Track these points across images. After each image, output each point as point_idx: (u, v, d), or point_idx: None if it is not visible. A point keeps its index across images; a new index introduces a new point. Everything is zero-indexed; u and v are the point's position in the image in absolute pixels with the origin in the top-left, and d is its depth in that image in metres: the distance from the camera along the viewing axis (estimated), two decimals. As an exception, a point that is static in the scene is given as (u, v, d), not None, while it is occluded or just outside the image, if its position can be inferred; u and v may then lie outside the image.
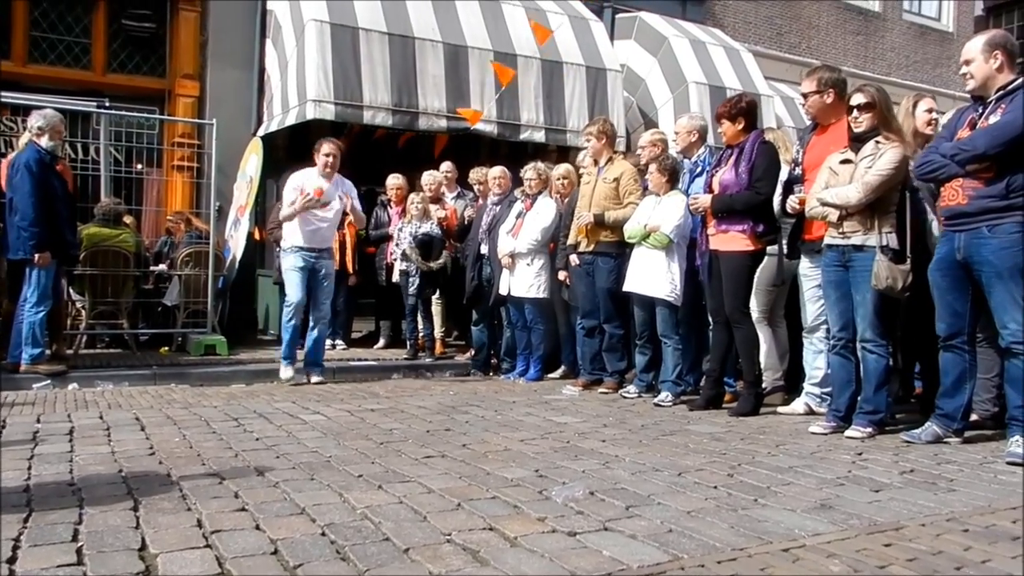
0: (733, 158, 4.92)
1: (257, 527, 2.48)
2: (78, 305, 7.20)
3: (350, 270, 7.87)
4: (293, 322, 6.22)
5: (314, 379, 6.19)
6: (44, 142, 5.85)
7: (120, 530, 2.43)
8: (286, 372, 6.20)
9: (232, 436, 3.98)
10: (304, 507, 2.69)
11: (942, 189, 3.85)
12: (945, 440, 3.97)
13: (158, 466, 3.30)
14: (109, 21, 8.49)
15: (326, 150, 6.24)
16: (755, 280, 5.00)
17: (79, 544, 2.30)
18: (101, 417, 4.48)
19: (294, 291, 6.20)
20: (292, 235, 6.23)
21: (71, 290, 7.07)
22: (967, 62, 3.79)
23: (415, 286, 7.22)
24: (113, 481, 3.04)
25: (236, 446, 3.73)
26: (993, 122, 3.64)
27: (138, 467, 3.27)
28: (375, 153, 9.34)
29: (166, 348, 7.30)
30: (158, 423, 4.32)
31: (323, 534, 2.42)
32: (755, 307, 5.26)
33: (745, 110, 4.94)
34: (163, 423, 4.33)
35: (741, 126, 4.94)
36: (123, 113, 8.01)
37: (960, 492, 3.06)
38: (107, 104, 8.00)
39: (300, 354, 6.32)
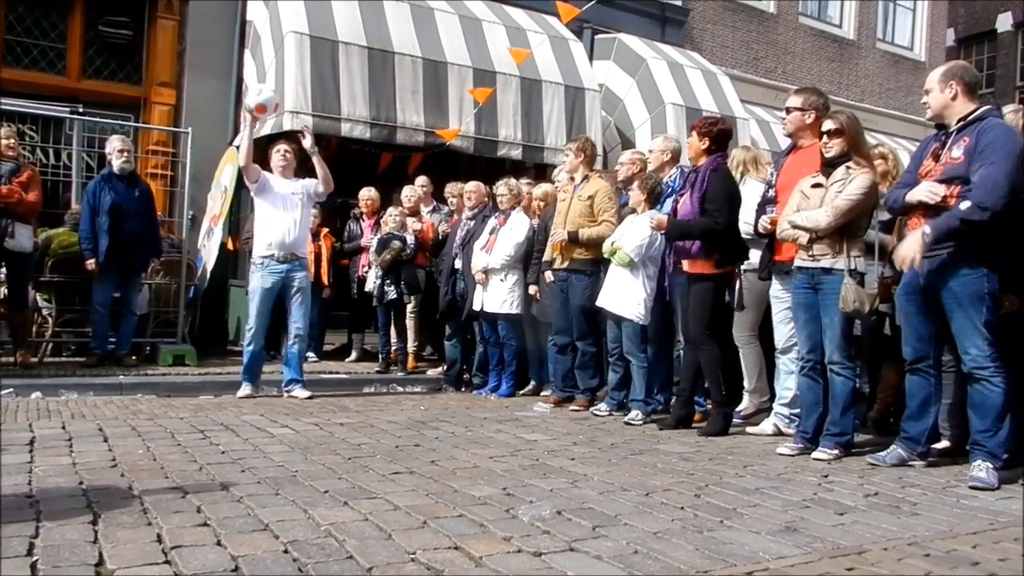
0: (691, 184, 5.02)
1: (218, 543, 2.44)
2: (44, 312, 7.08)
3: (325, 282, 7.83)
4: (252, 347, 5.97)
5: (301, 395, 5.95)
6: None
7: (77, 544, 2.38)
8: (243, 390, 6.00)
9: (197, 449, 3.93)
10: (268, 523, 2.66)
11: (908, 218, 3.91)
12: (910, 463, 4.01)
13: (120, 479, 3.24)
14: (86, 27, 8.42)
15: (277, 147, 6.20)
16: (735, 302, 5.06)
17: (34, 558, 2.25)
18: (64, 427, 4.40)
19: (254, 315, 5.94)
20: (259, 243, 6.01)
21: (37, 297, 6.97)
22: (927, 91, 3.90)
23: (393, 290, 7.21)
24: (73, 494, 2.98)
25: (201, 459, 3.68)
26: (979, 175, 3.61)
27: (99, 479, 3.21)
28: (351, 167, 9.32)
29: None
30: (122, 434, 4.25)
31: (286, 551, 2.39)
32: (745, 328, 5.32)
33: (715, 134, 4.99)
34: (127, 434, 4.26)
35: (705, 146, 4.99)
36: (96, 119, 7.93)
37: (923, 516, 3.09)
38: (81, 110, 7.93)
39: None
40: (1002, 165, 3.59)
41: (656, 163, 5.85)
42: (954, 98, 3.81)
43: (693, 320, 4.95)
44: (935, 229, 3.65)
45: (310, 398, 5.92)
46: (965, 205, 3.59)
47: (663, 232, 5.09)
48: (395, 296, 7.19)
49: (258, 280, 5.96)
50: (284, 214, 5.98)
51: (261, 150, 6.17)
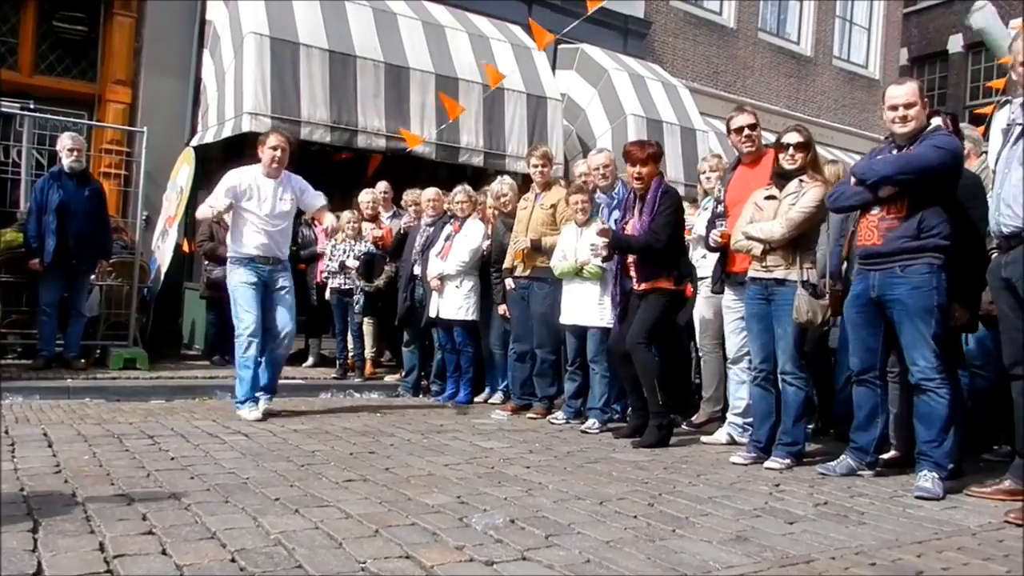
0: (638, 206, 5.03)
1: (164, 552, 2.39)
2: (-10, 313, 6.88)
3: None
4: (251, 353, 5.24)
5: (262, 406, 5.33)
6: None
7: (15, 553, 2.31)
8: (252, 414, 5.20)
9: (146, 455, 3.85)
10: (215, 531, 2.61)
11: (859, 230, 3.99)
12: (859, 473, 4.08)
13: (63, 485, 3.16)
14: (39, 22, 8.22)
15: (273, 143, 5.37)
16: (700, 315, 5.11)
17: (-32, 568, 2.18)
18: (6, 432, 4.26)
19: (248, 313, 5.24)
20: (239, 243, 5.37)
21: (-18, 298, 6.77)
22: (909, 106, 3.83)
23: (359, 304, 7.19)
24: (13, 500, 2.89)
25: (149, 465, 3.60)
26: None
27: (41, 486, 3.12)
28: (309, 170, 9.22)
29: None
30: (67, 439, 4.14)
31: (233, 560, 2.35)
32: (711, 336, 5.36)
33: (656, 156, 5.04)
34: (73, 439, 4.16)
35: (648, 169, 4.97)
36: (48, 116, 7.75)
37: (870, 525, 3.14)
38: (32, 106, 7.74)
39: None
40: (924, 150, 3.73)
41: (610, 178, 5.86)
42: (928, 114, 3.94)
43: (635, 327, 4.95)
44: (856, 170, 3.90)
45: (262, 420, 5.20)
46: (887, 166, 3.80)
47: (606, 240, 5.07)
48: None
49: (239, 275, 5.32)
50: (268, 218, 5.38)
51: (223, 147, 5.83)
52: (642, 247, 4.92)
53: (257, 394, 5.39)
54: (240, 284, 5.32)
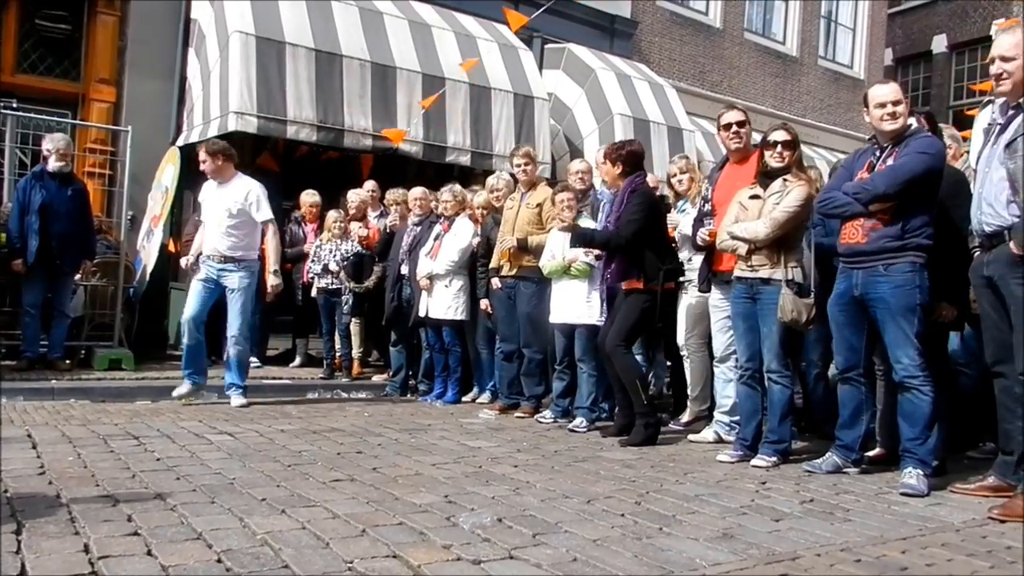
0: (615, 206, 5.13)
1: (149, 553, 2.38)
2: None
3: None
4: (186, 341, 5.89)
5: (234, 403, 5.74)
6: None
7: (-2, 555, 2.29)
8: (180, 388, 5.87)
9: (131, 456, 3.82)
10: (201, 532, 2.60)
11: (842, 228, 4.02)
12: (844, 470, 4.11)
13: (47, 487, 3.14)
14: (21, 20, 8.15)
15: (201, 155, 5.94)
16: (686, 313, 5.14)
17: (-49, 570, 2.16)
18: (-10, 433, 4.24)
19: (187, 306, 5.92)
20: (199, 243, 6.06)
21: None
22: (896, 103, 3.89)
23: (348, 305, 7.18)
24: (-4, 502, 2.87)
25: (134, 466, 3.58)
26: (890, 164, 3.83)
27: (25, 487, 3.10)
28: (301, 171, 9.20)
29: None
30: (52, 440, 4.11)
31: (219, 560, 2.34)
32: (698, 335, 5.39)
33: (625, 157, 5.10)
34: (57, 440, 4.13)
35: (619, 171, 5.10)
36: (31, 115, 7.68)
37: (855, 522, 3.16)
38: (14, 105, 7.67)
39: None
40: (911, 159, 3.76)
41: (587, 183, 6.03)
42: (909, 115, 3.96)
43: (613, 330, 5.01)
44: (850, 188, 3.90)
45: (245, 407, 5.70)
46: (879, 184, 3.80)
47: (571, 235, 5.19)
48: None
49: (197, 272, 5.99)
50: (212, 219, 5.95)
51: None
52: (603, 242, 5.03)
53: (229, 391, 5.93)
54: (194, 279, 6.04)
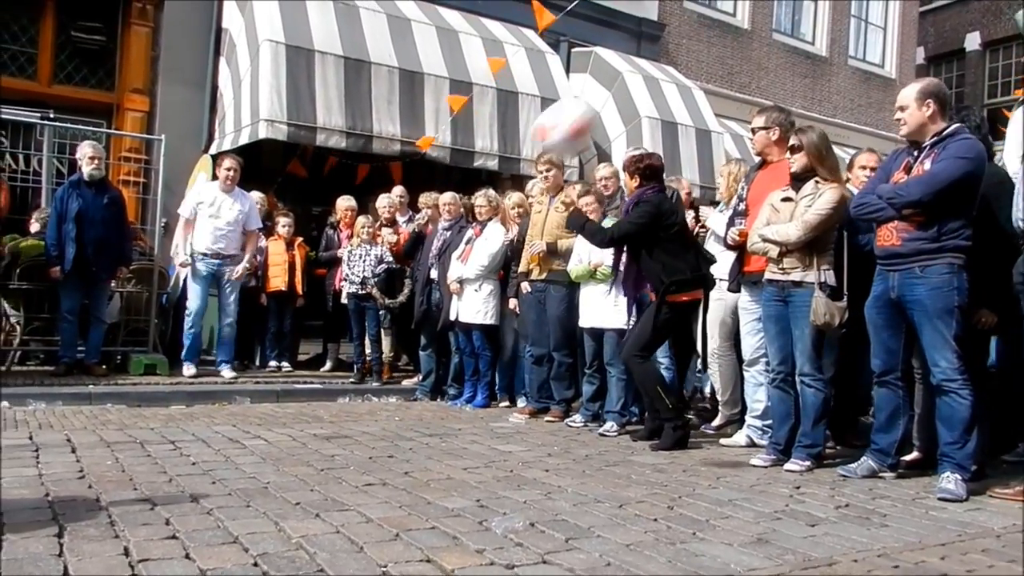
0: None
1: (187, 556, 2.41)
2: (12, 321, 6.96)
3: (298, 291, 7.78)
4: (194, 330, 6.95)
5: (226, 375, 6.85)
6: None
7: (41, 557, 2.34)
8: (188, 370, 6.88)
9: (167, 460, 3.88)
10: (237, 536, 2.63)
11: (878, 230, 3.96)
12: (880, 475, 4.05)
13: (87, 490, 3.19)
14: (57, 32, 8.33)
15: (227, 164, 7.01)
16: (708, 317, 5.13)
17: (-4, 572, 2.21)
18: (30, 438, 4.32)
19: (194, 299, 6.93)
20: (197, 241, 6.95)
21: (5, 305, 6.85)
22: (902, 108, 3.91)
23: (386, 319, 7.24)
24: (38, 506, 2.93)
25: (171, 470, 3.64)
26: (927, 169, 3.76)
27: (65, 491, 3.16)
28: (331, 177, 9.28)
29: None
30: (90, 445, 4.19)
31: (255, 564, 2.37)
32: (724, 339, 5.36)
33: (643, 170, 5.12)
34: (95, 445, 4.20)
35: (636, 183, 5.14)
36: (68, 125, 7.83)
37: (892, 528, 3.12)
38: (51, 116, 7.83)
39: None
40: (948, 165, 3.69)
41: (611, 188, 6.05)
42: (931, 117, 3.84)
43: (631, 340, 5.03)
44: (884, 192, 3.84)
45: (235, 379, 6.81)
46: (915, 191, 3.73)
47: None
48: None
49: (195, 269, 6.97)
50: (216, 223, 6.96)
51: (239, 154, 6.30)
52: (591, 232, 5.15)
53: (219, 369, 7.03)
54: (194, 277, 7.06)
